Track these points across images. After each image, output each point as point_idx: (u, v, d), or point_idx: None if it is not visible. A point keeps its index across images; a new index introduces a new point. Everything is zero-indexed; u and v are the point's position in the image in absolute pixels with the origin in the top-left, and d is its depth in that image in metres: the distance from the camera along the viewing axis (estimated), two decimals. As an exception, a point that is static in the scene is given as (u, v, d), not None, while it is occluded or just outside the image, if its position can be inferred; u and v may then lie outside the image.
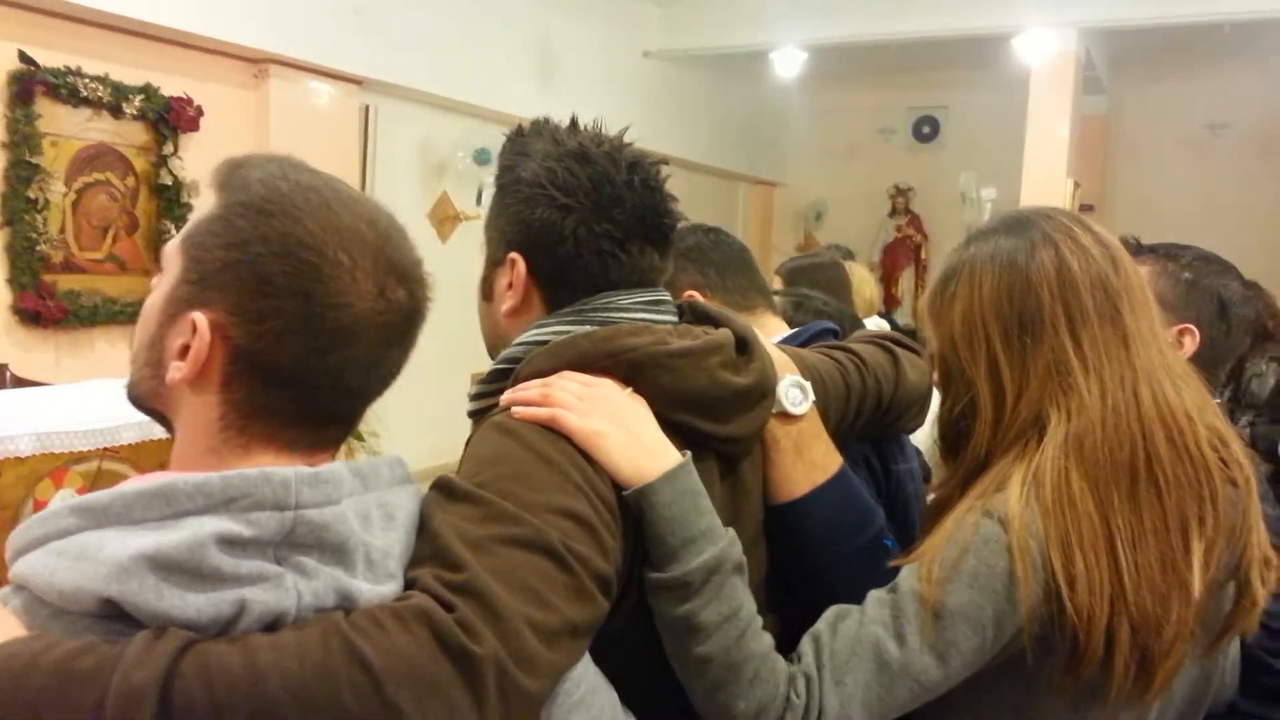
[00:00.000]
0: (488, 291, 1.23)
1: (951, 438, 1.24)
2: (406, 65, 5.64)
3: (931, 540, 1.13)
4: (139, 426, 3.41)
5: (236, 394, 0.84)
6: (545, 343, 1.12)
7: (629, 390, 1.08)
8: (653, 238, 1.16)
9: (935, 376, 1.32)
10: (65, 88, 4.21)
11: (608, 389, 1.06)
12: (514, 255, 1.15)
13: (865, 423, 1.38)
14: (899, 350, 1.44)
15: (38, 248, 4.22)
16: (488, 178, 6.15)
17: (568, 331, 1.12)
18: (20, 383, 4.10)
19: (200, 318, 0.82)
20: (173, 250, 0.87)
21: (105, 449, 3.37)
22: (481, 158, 6.23)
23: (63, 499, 3.23)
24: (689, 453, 1.07)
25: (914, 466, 1.57)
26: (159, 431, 3.21)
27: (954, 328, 1.20)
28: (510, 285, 1.16)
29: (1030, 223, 1.19)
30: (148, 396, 0.91)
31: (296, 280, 0.82)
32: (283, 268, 0.81)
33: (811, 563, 1.24)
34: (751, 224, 10.34)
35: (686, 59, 8.01)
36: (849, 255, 4.88)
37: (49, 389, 3.93)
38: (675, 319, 1.19)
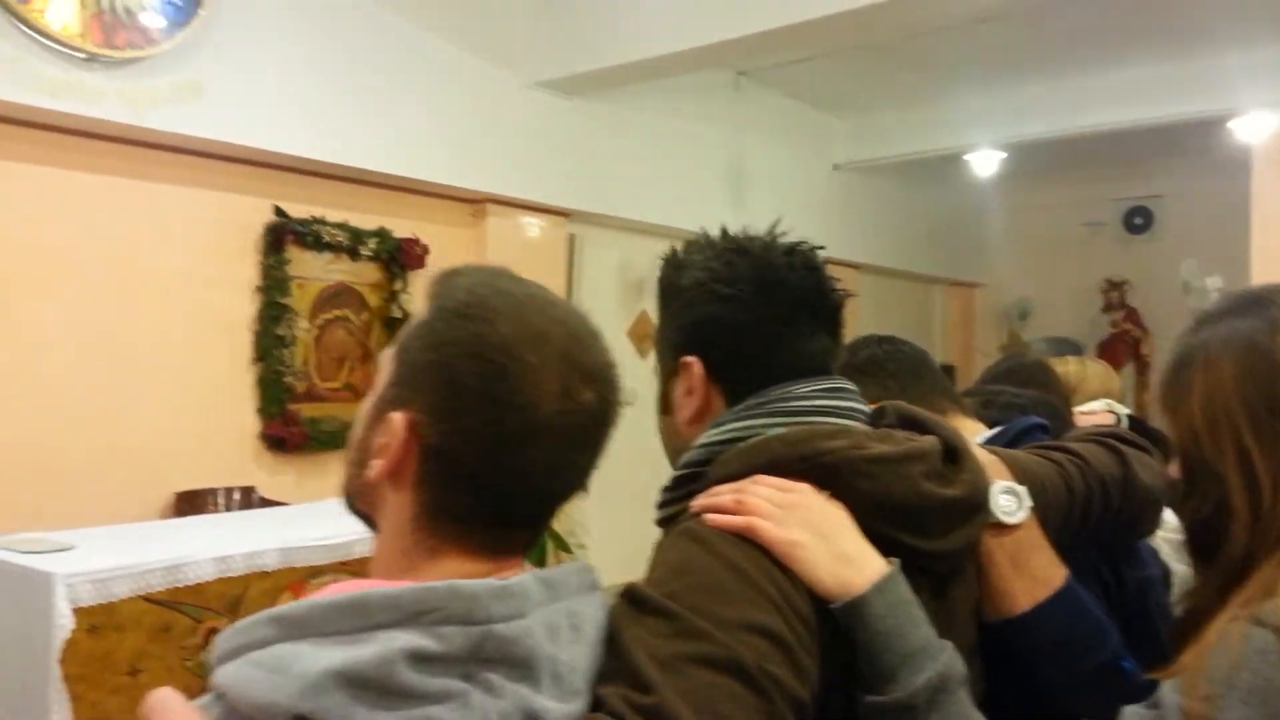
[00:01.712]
0: (665, 404, 1.19)
1: (1202, 540, 1.12)
2: (607, 195, 5.96)
3: (1193, 653, 1.02)
4: (370, 541, 3.67)
5: (427, 494, 0.85)
6: (727, 442, 1.08)
7: (827, 496, 1.02)
8: (820, 318, 1.13)
9: (1175, 472, 1.18)
10: (311, 235, 4.73)
11: (806, 495, 1.00)
12: (687, 359, 1.12)
13: (1092, 530, 1.26)
14: (1126, 448, 1.31)
15: (285, 379, 4.68)
16: (684, 295, 6.43)
17: (748, 427, 1.07)
18: (266, 503, 4.50)
19: (398, 416, 0.84)
20: (386, 356, 0.91)
21: (340, 562, 3.62)
22: (677, 276, 6.43)
23: (302, 611, 3.52)
24: (897, 560, 1.00)
25: (1153, 574, 1.42)
26: None
27: (1194, 419, 1.10)
28: (689, 390, 1.13)
29: (1266, 301, 1.10)
30: (355, 496, 0.93)
31: (484, 380, 0.82)
32: (473, 368, 0.83)
33: (1035, 686, 1.14)
34: (951, 327, 10.04)
35: (875, 167, 8.04)
36: (1077, 350, 4.43)
37: (291, 508, 4.30)
38: (860, 407, 1.14)
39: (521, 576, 0.84)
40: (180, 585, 3.16)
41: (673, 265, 1.21)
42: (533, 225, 5.72)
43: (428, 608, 0.76)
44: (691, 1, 4.83)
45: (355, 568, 3.61)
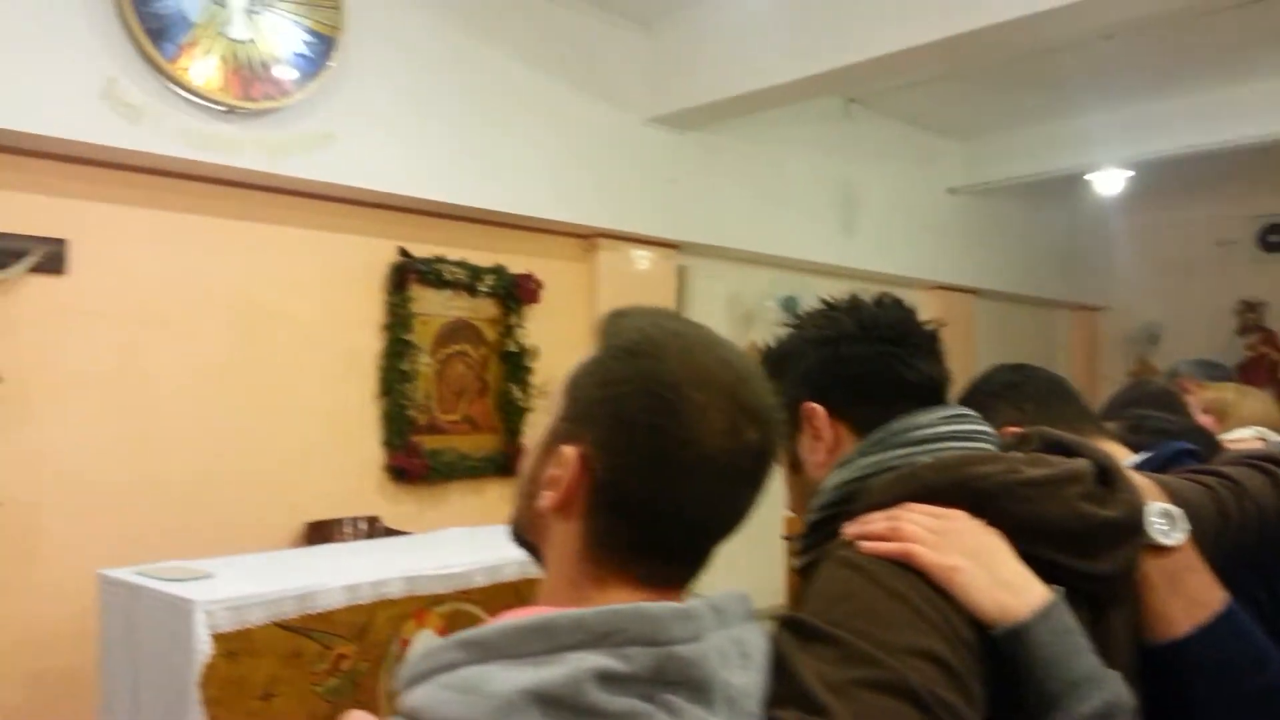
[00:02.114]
0: (794, 460, 1.21)
1: None
2: (717, 227, 5.99)
3: None
4: (489, 571, 3.73)
5: (595, 524, 0.87)
6: (859, 479, 1.09)
7: (982, 522, 1.01)
8: (921, 345, 1.17)
9: None
10: (432, 273, 4.89)
11: (960, 520, 1.00)
12: (809, 406, 1.16)
13: (1245, 553, 1.24)
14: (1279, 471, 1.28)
15: (407, 412, 4.83)
16: (795, 324, 6.37)
17: (877, 461, 1.09)
18: (390, 532, 4.64)
19: (569, 449, 0.87)
20: (557, 392, 0.94)
21: (460, 591, 3.70)
22: (788, 305, 6.40)
23: (424, 638, 3.59)
24: (1060, 588, 0.98)
25: None
26: (506, 575, 3.45)
27: None
28: (816, 435, 1.17)
29: None
30: (524, 528, 0.96)
31: (653, 415, 0.85)
32: (642, 403, 0.85)
33: (1197, 709, 1.10)
34: (1074, 352, 9.66)
35: (992, 190, 7.84)
36: (1226, 373, 4.15)
37: (413, 537, 4.42)
38: (986, 431, 1.14)
39: (696, 601, 0.85)
40: (311, 613, 3.27)
41: (774, 345, 1.27)
42: (643, 258, 5.78)
43: (613, 629, 0.78)
44: (800, 31, 4.83)
45: (475, 597, 3.69)
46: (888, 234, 7.14)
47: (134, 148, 3.77)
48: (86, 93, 3.64)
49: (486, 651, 0.78)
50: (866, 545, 1.00)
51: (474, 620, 3.73)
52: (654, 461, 0.85)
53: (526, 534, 0.97)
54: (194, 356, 4.16)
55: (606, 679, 0.76)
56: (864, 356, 1.15)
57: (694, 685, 0.80)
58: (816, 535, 1.13)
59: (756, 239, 6.23)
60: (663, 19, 5.44)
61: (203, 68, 3.86)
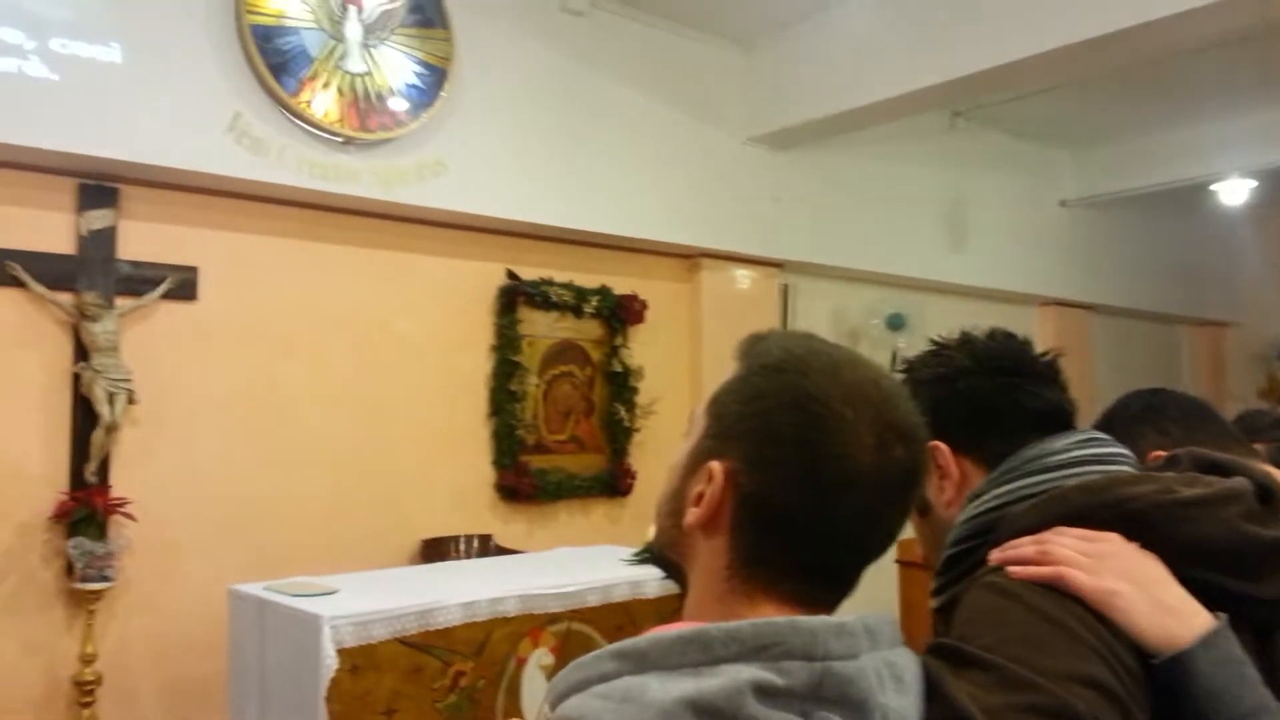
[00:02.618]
0: (922, 504, 1.19)
1: None
2: (821, 244, 5.93)
3: None
4: (601, 591, 3.74)
5: (742, 541, 0.86)
6: (993, 509, 1.06)
7: (1136, 545, 0.98)
8: (1041, 373, 1.16)
9: None
10: (540, 295, 4.97)
11: (1115, 543, 0.97)
12: (933, 444, 1.13)
13: None
14: None
15: (516, 432, 4.90)
16: (901, 342, 6.26)
17: (1011, 490, 1.07)
18: (501, 550, 4.70)
19: (716, 465, 0.87)
20: (699, 412, 0.94)
21: (573, 611, 3.72)
22: (893, 323, 6.28)
23: (538, 657, 3.62)
24: (1224, 615, 0.94)
25: None
26: (618, 595, 3.44)
27: None
28: (943, 473, 1.16)
29: None
30: (667, 546, 0.95)
31: (802, 429, 0.85)
32: (790, 418, 0.85)
33: None
34: (1199, 370, 9.21)
35: (1108, 202, 7.57)
36: None
37: (525, 556, 4.47)
38: (1123, 453, 1.11)
39: (851, 618, 0.84)
40: (431, 629, 3.33)
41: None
42: (745, 277, 5.76)
43: (769, 641, 0.77)
44: (904, 46, 4.77)
45: (588, 616, 3.70)
46: (998, 249, 6.96)
47: (259, 179, 3.95)
48: (215, 128, 3.83)
49: (642, 662, 0.77)
50: (1016, 570, 0.97)
51: (587, 640, 3.74)
52: (803, 476, 0.85)
53: (669, 552, 0.96)
54: (316, 378, 4.31)
55: (764, 692, 0.75)
56: (984, 389, 1.15)
57: (852, 704, 0.79)
58: (954, 570, 1.10)
59: (861, 256, 6.15)
60: (762, 39, 5.45)
61: (322, 101, 4.02)
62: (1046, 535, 0.99)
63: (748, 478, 0.86)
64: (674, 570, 0.96)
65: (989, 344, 1.19)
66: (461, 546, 4.60)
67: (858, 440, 0.85)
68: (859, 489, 0.85)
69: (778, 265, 5.88)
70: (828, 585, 0.89)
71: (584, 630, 3.73)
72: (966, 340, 1.21)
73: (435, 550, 4.51)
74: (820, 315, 6.26)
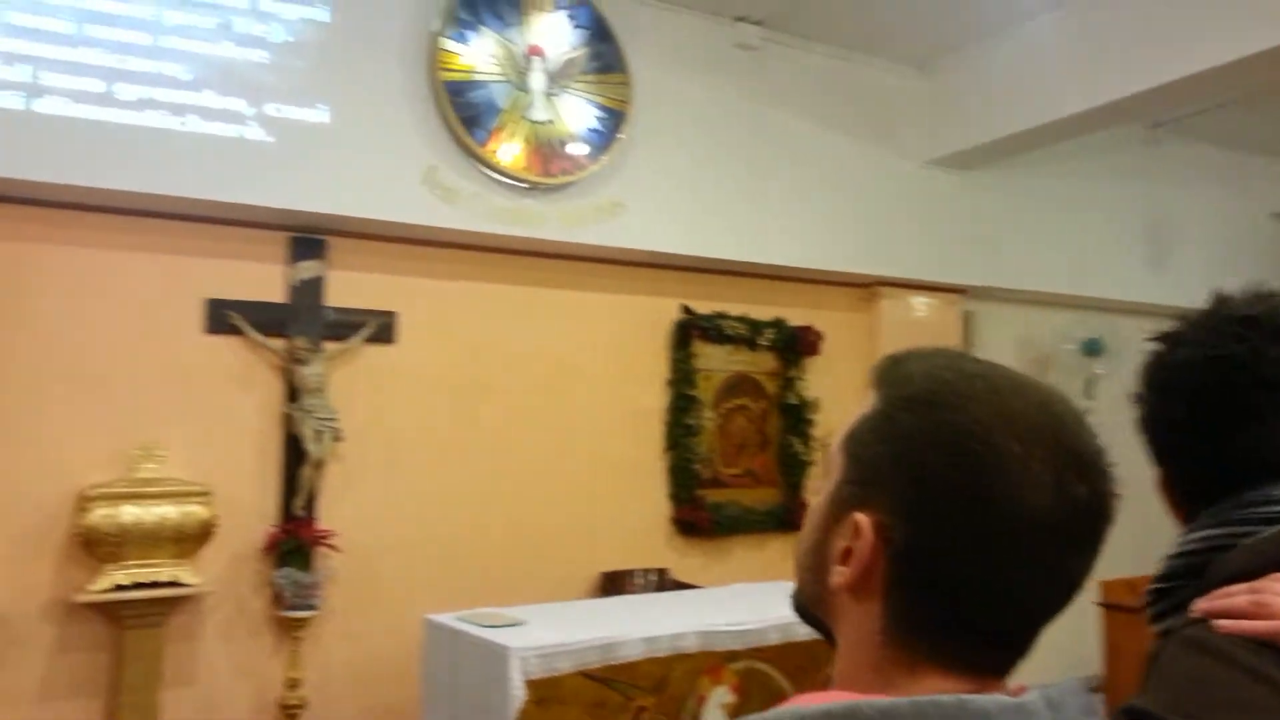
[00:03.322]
0: None
1: None
2: (1006, 268, 5.68)
3: None
4: (782, 629, 3.69)
5: (899, 603, 0.76)
6: (1206, 550, 0.97)
7: None
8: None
9: None
10: (714, 329, 4.99)
11: None
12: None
13: None
14: None
15: (692, 466, 4.92)
16: (1098, 368, 5.90)
17: (1229, 534, 0.96)
18: (678, 585, 4.72)
19: (863, 518, 0.76)
20: (835, 451, 0.83)
21: (754, 649, 3.69)
22: (1090, 348, 5.94)
23: (719, 695, 3.61)
24: None
25: None
26: (801, 634, 3.38)
27: None
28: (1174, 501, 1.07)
29: None
30: (811, 603, 0.85)
31: (961, 473, 0.74)
32: (946, 461, 0.74)
33: None
34: None
35: (1331, 211, 6.91)
36: None
37: (703, 591, 4.47)
38: None
39: (1031, 695, 0.75)
40: (613, 663, 3.38)
41: (1154, 371, 1.13)
42: (925, 305, 5.59)
43: None
44: (1092, 59, 4.53)
45: (768, 655, 3.66)
46: (1202, 266, 6.45)
47: (451, 226, 4.16)
48: (411, 180, 4.06)
49: None
50: (1225, 624, 0.88)
51: (767, 679, 3.70)
52: (966, 527, 0.73)
53: (813, 609, 0.85)
54: (502, 415, 4.48)
55: None
56: (1211, 428, 1.04)
57: None
58: (1158, 605, 1.02)
59: (1051, 279, 5.85)
60: (941, 59, 5.29)
61: (509, 150, 4.20)
62: (1262, 584, 0.89)
63: (900, 531, 0.75)
64: (821, 628, 0.87)
65: (1234, 350, 1.02)
66: (639, 580, 4.65)
67: (1030, 479, 0.74)
68: (1035, 538, 0.74)
69: (959, 291, 5.68)
70: (1001, 650, 0.79)
71: (765, 670, 3.69)
72: (1203, 349, 1.04)
73: (614, 583, 4.58)
74: (1006, 342, 5.99)
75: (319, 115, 3.87)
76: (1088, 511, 0.76)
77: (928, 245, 5.41)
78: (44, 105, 3.43)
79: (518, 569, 4.39)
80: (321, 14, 3.89)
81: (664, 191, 4.64)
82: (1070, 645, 4.55)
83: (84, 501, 3.50)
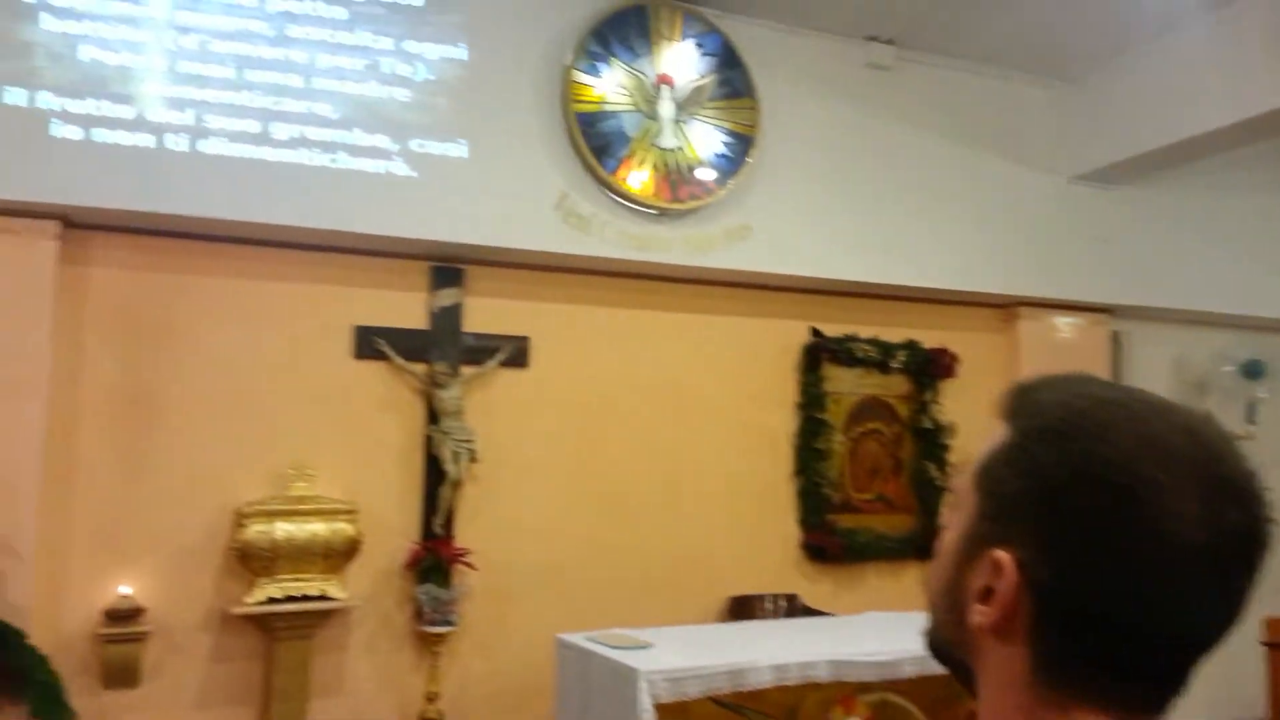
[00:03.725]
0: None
1: None
2: (1158, 286, 5.39)
3: None
4: (918, 661, 3.58)
5: (1046, 643, 0.74)
6: None
7: None
8: None
9: None
10: (844, 352, 4.92)
11: None
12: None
13: None
14: None
15: (822, 490, 4.85)
16: (1261, 391, 5.52)
17: None
18: (808, 611, 4.65)
19: (1004, 556, 0.74)
20: (966, 485, 0.81)
21: (888, 681, 3.59)
22: (1251, 370, 5.57)
23: (856, 732, 3.52)
24: None
25: None
26: (936, 666, 3.29)
27: None
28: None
29: None
30: (948, 644, 0.83)
31: (1105, 507, 0.72)
32: (1088, 494, 0.72)
33: None
34: None
35: None
36: None
37: (834, 619, 4.39)
38: None
39: None
40: (743, 690, 3.36)
41: None
42: (1070, 325, 5.36)
43: None
44: (1246, 68, 4.26)
45: (903, 688, 3.56)
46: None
47: (582, 253, 4.25)
48: (545, 208, 4.17)
49: None
50: None
51: (903, 713, 3.59)
52: (1114, 562, 0.71)
53: (952, 649, 0.82)
54: (632, 437, 4.53)
55: None
56: None
57: None
58: None
59: (1206, 297, 5.51)
60: (1084, 72, 5.09)
61: (638, 177, 4.26)
62: None
63: (1043, 569, 0.73)
64: (958, 668, 0.83)
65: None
66: (768, 605, 4.60)
67: (1178, 509, 0.71)
68: (1187, 569, 0.71)
69: (1107, 311, 5.42)
70: (1156, 687, 0.76)
71: (900, 703, 3.59)
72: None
73: (743, 608, 4.55)
74: (1159, 363, 5.68)
75: (458, 149, 4.02)
76: (1242, 540, 0.73)
77: (1070, 263, 5.19)
78: (207, 146, 3.68)
79: (647, 591, 4.42)
80: (460, 52, 4.06)
81: (792, 214, 4.62)
82: (1233, 686, 4.28)
83: (241, 518, 3.72)
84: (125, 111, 3.57)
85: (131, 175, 3.56)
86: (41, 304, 3.54)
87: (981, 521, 0.76)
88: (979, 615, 0.75)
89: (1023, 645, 0.74)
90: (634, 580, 4.42)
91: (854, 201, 4.75)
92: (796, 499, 4.85)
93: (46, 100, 3.48)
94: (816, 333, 4.89)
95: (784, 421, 4.85)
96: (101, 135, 3.53)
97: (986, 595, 0.74)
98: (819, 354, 4.87)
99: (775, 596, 4.65)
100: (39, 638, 3.33)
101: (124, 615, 3.56)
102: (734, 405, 4.74)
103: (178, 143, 3.64)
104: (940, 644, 0.83)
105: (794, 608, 4.67)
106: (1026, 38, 4.82)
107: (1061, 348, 5.29)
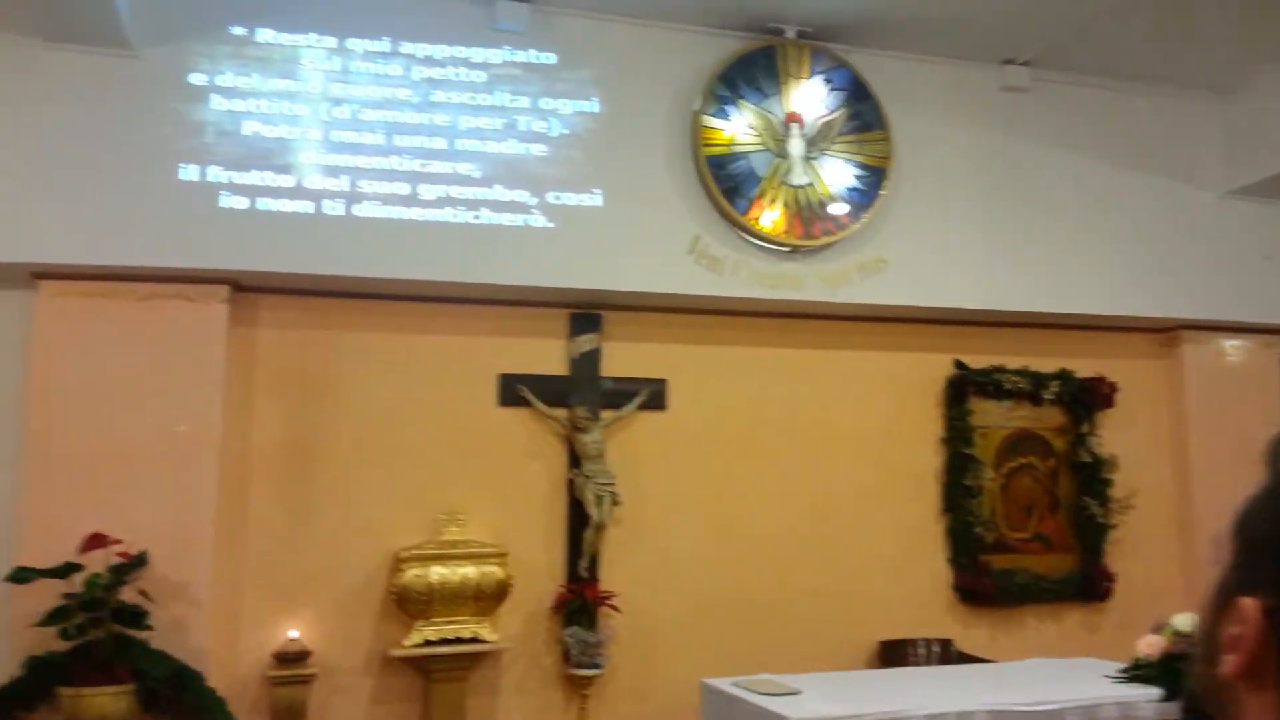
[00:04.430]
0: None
1: None
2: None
3: None
4: (1083, 710, 3.37)
5: None
6: None
7: None
8: None
9: None
10: (991, 384, 4.74)
11: None
12: None
13: None
14: None
15: (974, 530, 4.66)
16: None
17: None
18: (963, 657, 4.46)
19: (1249, 603, 0.74)
20: (1225, 535, 0.81)
21: (1055, 733, 3.41)
22: None
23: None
24: None
25: None
26: (1103, 717, 3.07)
27: None
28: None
29: None
30: (1203, 693, 0.83)
31: None
32: None
33: None
34: None
35: None
36: None
37: (991, 666, 4.19)
38: None
39: None
40: (896, 741, 3.24)
41: None
42: (1238, 348, 5.02)
43: None
44: None
45: (1070, 741, 3.37)
46: None
47: (716, 294, 4.27)
48: (678, 252, 4.21)
49: None
50: None
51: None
52: None
53: (1206, 701, 0.82)
54: (772, 477, 4.49)
55: None
56: None
57: None
58: None
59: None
60: (1243, 82, 4.81)
61: (769, 216, 4.26)
62: None
63: None
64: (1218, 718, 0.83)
65: None
66: (920, 650, 4.44)
67: None
68: None
69: (1276, 332, 5.06)
70: None
71: (1066, 756, 3.40)
72: None
73: (893, 653, 4.41)
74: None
75: (593, 199, 4.12)
76: None
77: (1234, 282, 4.88)
78: (360, 209, 3.90)
79: (792, 634, 4.34)
80: (592, 105, 4.17)
81: (930, 244, 4.52)
82: None
83: (398, 562, 3.87)
84: (286, 181, 3.82)
85: (293, 240, 3.80)
86: (214, 364, 3.80)
87: (1234, 570, 0.76)
88: (1226, 663, 0.74)
89: (1272, 694, 0.73)
90: (780, 623, 4.35)
91: (994, 228, 4.61)
92: (946, 538, 4.69)
93: (215, 174, 3.76)
94: (960, 365, 4.74)
95: (929, 458, 4.70)
96: (265, 204, 3.80)
97: (1236, 643, 0.74)
98: (964, 387, 4.72)
99: (928, 641, 4.49)
100: (215, 680, 3.54)
101: (292, 658, 3.74)
102: (876, 442, 4.64)
103: (334, 207, 3.87)
104: (1200, 695, 0.82)
105: (948, 653, 4.49)
106: (1176, 52, 4.60)
107: (1230, 373, 4.96)
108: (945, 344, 4.76)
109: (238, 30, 3.86)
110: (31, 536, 3.51)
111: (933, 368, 4.75)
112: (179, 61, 3.78)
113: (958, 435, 4.71)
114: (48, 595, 3.35)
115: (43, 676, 3.35)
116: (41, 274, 3.68)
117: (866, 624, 4.47)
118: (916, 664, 4.36)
